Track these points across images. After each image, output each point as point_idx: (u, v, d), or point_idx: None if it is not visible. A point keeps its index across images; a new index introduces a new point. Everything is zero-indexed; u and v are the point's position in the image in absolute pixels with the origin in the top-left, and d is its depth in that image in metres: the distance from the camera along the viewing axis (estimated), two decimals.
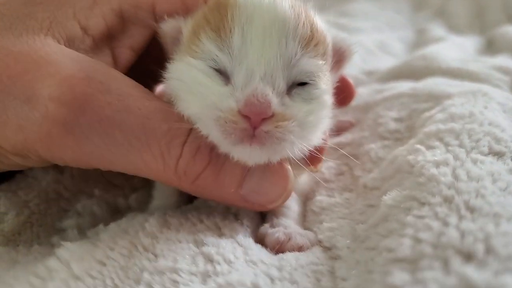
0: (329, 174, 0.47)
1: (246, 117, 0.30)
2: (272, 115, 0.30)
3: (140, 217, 0.37)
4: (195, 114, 0.33)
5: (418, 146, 0.38)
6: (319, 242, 0.37)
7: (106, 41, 0.39)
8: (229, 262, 0.31)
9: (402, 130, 0.50)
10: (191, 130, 0.33)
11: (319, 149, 0.36)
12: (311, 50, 0.34)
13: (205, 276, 0.29)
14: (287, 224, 0.38)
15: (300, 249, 0.35)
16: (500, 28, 1.29)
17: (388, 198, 0.32)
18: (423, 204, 0.27)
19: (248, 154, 0.32)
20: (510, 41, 1.07)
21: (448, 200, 0.26)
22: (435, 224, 0.25)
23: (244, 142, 0.31)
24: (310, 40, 0.34)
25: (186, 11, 0.39)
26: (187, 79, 0.34)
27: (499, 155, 0.33)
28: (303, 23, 0.33)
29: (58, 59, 0.34)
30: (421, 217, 0.26)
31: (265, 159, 0.33)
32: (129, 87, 0.35)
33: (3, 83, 0.33)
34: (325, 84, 0.35)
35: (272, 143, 0.31)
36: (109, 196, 0.50)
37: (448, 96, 0.52)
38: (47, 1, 0.37)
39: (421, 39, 1.41)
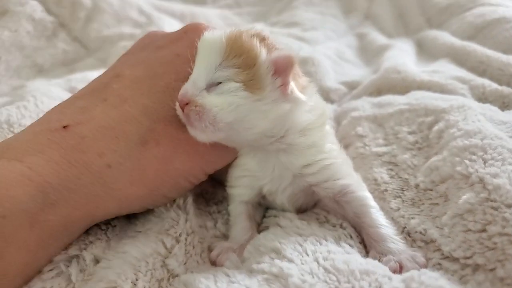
0: (380, 178, 0.63)
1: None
2: (188, 102, 0.49)
3: None
4: None
5: (457, 159, 0.55)
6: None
7: None
8: None
9: (419, 141, 0.68)
10: None
11: None
12: (229, 62, 0.49)
13: None
14: (393, 249, 0.48)
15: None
16: (424, 32, 1.54)
17: (465, 198, 0.48)
18: (503, 206, 0.44)
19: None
20: (439, 46, 1.29)
21: None
22: None
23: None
24: (228, 55, 0.49)
25: None
26: None
27: None
28: (228, 45, 0.49)
29: None
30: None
31: (203, 138, 0.50)
32: None
33: None
34: (240, 83, 0.49)
35: (194, 122, 0.49)
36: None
37: (443, 110, 0.70)
38: None
39: (364, 44, 1.61)
